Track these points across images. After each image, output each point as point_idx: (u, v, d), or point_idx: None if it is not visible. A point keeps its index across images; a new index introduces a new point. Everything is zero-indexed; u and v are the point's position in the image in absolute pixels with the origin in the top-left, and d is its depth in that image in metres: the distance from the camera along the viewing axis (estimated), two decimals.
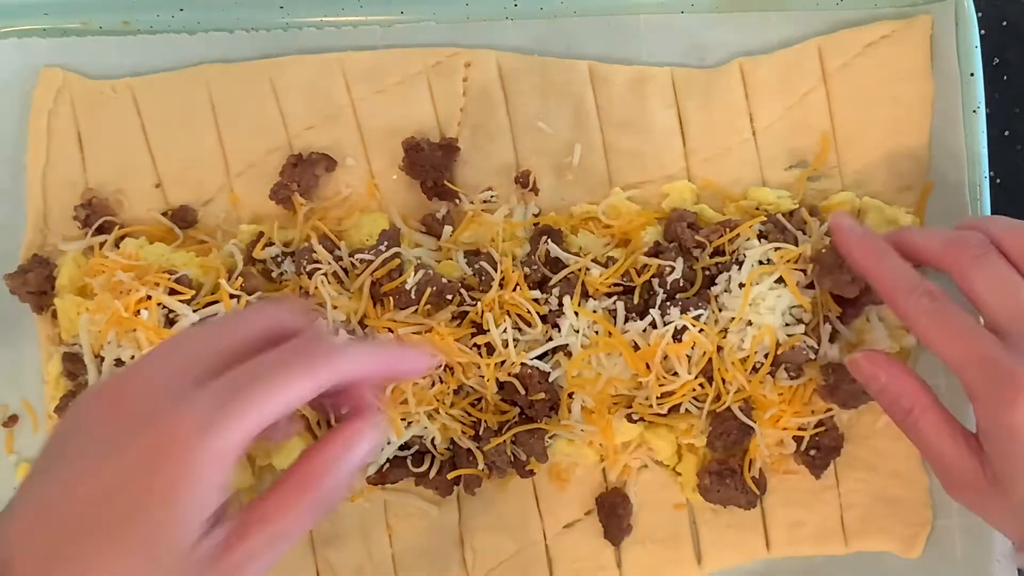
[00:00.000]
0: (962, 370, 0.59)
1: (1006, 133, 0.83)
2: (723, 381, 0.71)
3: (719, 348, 0.71)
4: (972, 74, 0.76)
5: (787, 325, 0.71)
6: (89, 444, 0.48)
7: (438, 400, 0.72)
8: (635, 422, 0.73)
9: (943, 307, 0.61)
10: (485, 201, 0.77)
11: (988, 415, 0.59)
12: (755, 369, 0.71)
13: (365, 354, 0.54)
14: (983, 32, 0.78)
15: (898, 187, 0.77)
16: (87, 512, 0.46)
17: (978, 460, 0.60)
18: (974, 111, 0.76)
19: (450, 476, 0.74)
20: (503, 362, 0.72)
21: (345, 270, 0.74)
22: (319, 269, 0.73)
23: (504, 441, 0.72)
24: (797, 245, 0.72)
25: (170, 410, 0.47)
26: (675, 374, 0.71)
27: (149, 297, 0.72)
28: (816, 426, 0.73)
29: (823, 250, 0.70)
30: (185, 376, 0.49)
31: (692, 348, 0.70)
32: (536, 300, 0.73)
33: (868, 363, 0.65)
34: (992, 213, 0.76)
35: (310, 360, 0.50)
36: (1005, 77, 0.84)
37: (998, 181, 0.82)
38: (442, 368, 0.72)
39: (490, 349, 0.72)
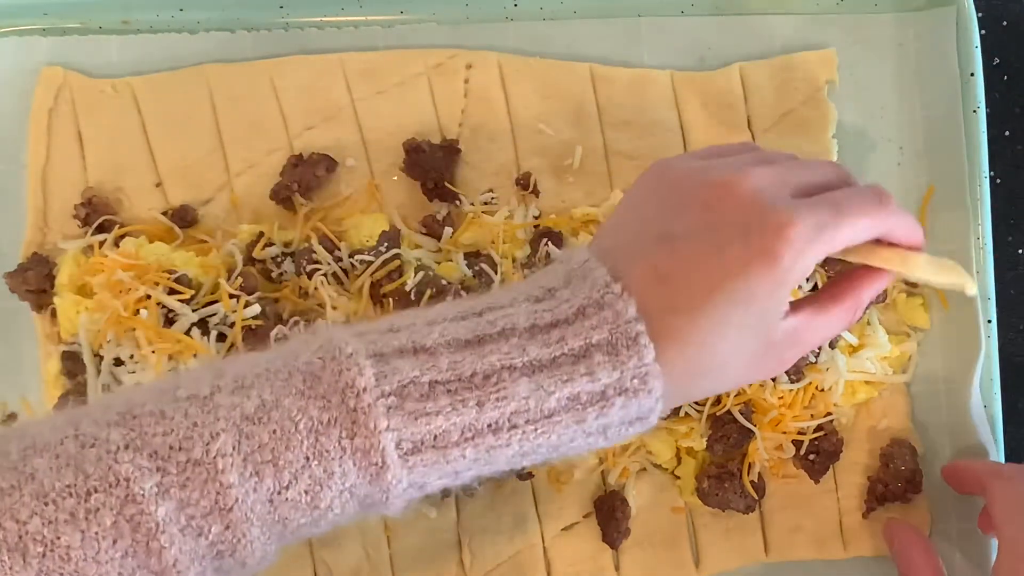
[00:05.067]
0: None
1: (1006, 133, 0.83)
2: None
3: None
4: (972, 74, 0.76)
5: None
6: (700, 224, 0.53)
7: None
8: None
9: None
10: (485, 203, 0.77)
11: None
12: None
13: (913, 223, 0.58)
14: (983, 32, 0.78)
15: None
16: (706, 280, 0.52)
17: None
18: (974, 111, 0.76)
19: None
20: None
21: (345, 271, 0.74)
22: (319, 270, 0.73)
23: None
24: None
25: (783, 212, 0.52)
26: None
27: (148, 296, 0.72)
28: (816, 430, 0.73)
29: None
30: (783, 189, 0.54)
31: None
32: None
33: (888, 530, 0.74)
34: (992, 213, 0.76)
35: (882, 207, 0.56)
36: (1005, 77, 0.83)
37: (998, 181, 0.82)
38: None
39: None
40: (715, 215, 0.53)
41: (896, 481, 0.74)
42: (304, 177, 0.76)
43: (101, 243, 0.76)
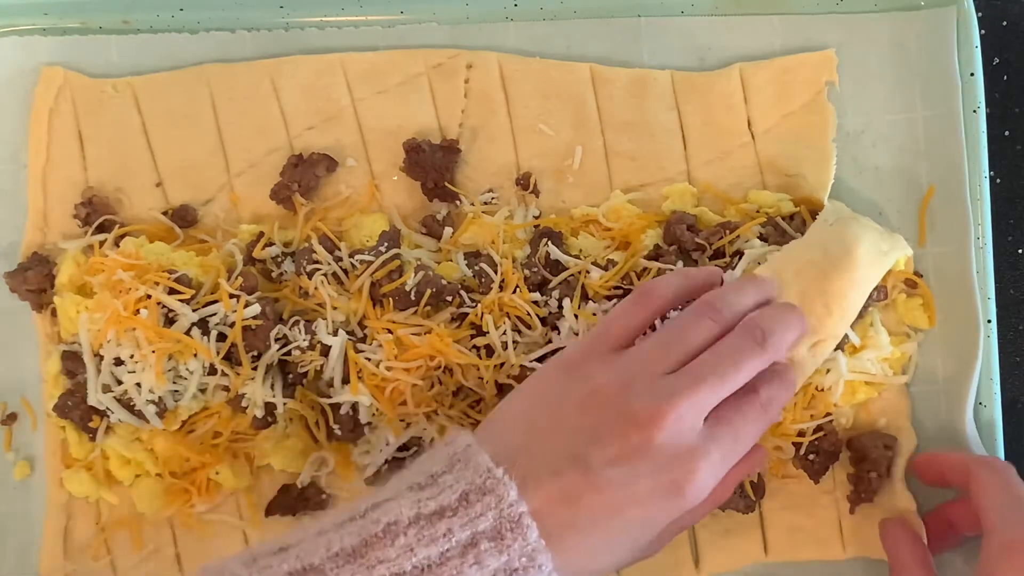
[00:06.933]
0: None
1: (1006, 133, 0.83)
2: None
3: None
4: (972, 74, 0.76)
5: None
6: (618, 456, 0.56)
7: (437, 401, 0.72)
8: None
9: None
10: (485, 203, 0.77)
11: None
12: None
13: (799, 322, 0.65)
14: (983, 32, 0.78)
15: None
16: (610, 506, 0.56)
17: None
18: (974, 111, 0.76)
19: None
20: (502, 364, 0.72)
21: (345, 271, 0.74)
22: (319, 269, 0.74)
23: None
24: None
25: (694, 454, 0.57)
26: None
27: (149, 296, 0.72)
28: (815, 431, 0.73)
29: None
30: (700, 417, 0.59)
31: None
32: (536, 302, 0.73)
33: (881, 528, 0.73)
34: (992, 213, 0.76)
35: (770, 418, 0.63)
36: (1005, 77, 0.83)
37: (998, 181, 0.82)
38: (441, 370, 0.72)
39: (489, 351, 0.72)
40: (633, 450, 0.56)
41: (860, 466, 0.74)
42: (304, 177, 0.76)
43: (101, 243, 0.76)
